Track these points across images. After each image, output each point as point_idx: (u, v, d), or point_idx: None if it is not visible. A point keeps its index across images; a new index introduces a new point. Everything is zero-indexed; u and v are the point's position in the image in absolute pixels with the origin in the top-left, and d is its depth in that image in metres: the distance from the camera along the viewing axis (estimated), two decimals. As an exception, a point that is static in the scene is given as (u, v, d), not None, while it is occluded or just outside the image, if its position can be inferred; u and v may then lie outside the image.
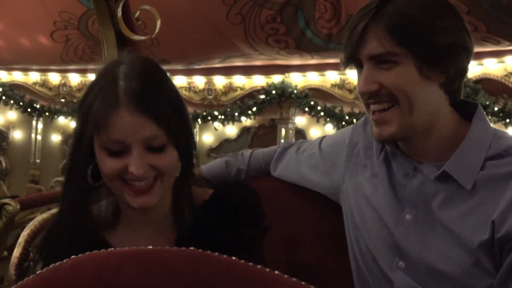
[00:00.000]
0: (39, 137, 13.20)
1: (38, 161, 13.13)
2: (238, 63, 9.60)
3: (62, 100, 11.58)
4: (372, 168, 1.61)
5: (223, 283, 1.04)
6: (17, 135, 13.03)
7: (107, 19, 1.98)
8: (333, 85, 9.30)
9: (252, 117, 9.96)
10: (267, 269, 1.02)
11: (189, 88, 10.70)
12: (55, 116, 11.78)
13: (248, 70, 10.08)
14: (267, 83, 9.43)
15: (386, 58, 1.39)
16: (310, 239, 1.63)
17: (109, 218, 1.51)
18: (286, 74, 9.36)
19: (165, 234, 1.51)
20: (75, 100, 11.63)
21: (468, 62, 1.42)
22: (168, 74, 1.49)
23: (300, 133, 10.32)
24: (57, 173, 12.30)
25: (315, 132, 10.17)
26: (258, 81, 9.70)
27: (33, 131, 13.17)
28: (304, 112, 9.36)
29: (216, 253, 1.08)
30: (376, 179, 1.57)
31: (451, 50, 1.38)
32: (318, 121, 9.66)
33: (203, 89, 10.84)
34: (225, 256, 1.06)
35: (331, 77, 9.30)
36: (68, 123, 11.84)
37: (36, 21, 8.99)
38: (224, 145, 11.64)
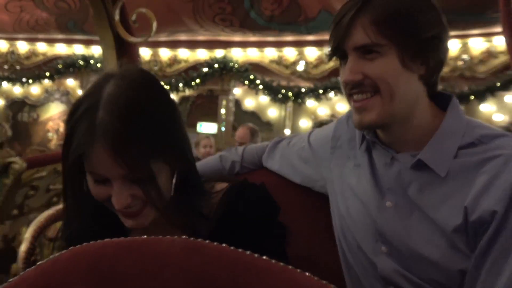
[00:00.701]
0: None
1: (-20, 125, 12.08)
2: (183, 37, 9.47)
3: (5, 67, 11.04)
4: (355, 159, 1.61)
5: (215, 269, 1.03)
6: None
7: (105, 22, 1.98)
8: (271, 61, 9.63)
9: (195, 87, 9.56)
10: (256, 255, 1.02)
11: (134, 59, 10.14)
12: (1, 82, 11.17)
13: (192, 44, 10.30)
14: (210, 57, 9.60)
15: (371, 49, 1.37)
16: (302, 232, 1.61)
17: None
18: (228, 49, 9.57)
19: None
20: (18, 67, 11.25)
21: (445, 56, 1.44)
22: (162, 89, 1.36)
23: (237, 103, 10.71)
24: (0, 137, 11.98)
25: (250, 102, 10.69)
26: (202, 55, 9.96)
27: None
28: (244, 84, 9.63)
29: (207, 241, 1.07)
30: (359, 169, 1.58)
31: (432, 43, 1.39)
32: (256, 93, 10.00)
33: (149, 61, 10.86)
34: (216, 243, 1.06)
35: (269, 54, 9.75)
36: (11, 88, 11.34)
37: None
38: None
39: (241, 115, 10.98)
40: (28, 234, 1.80)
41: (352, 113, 1.47)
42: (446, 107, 1.45)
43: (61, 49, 11.12)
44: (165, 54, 10.74)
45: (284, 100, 9.95)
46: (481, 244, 1.26)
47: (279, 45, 9.75)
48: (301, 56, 9.77)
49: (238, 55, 9.91)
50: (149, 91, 1.28)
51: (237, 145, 5.74)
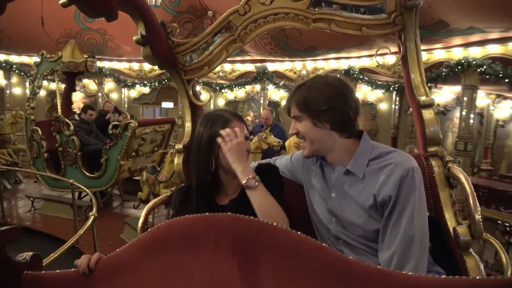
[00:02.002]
0: None
1: None
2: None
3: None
4: (315, 170, 1.57)
5: (246, 229, 1.07)
6: None
7: (184, 94, 2.02)
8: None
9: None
10: (270, 222, 1.06)
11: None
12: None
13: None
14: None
15: (296, 118, 1.45)
16: (296, 201, 1.59)
17: (217, 188, 1.53)
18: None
19: (233, 194, 1.50)
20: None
21: (347, 115, 1.39)
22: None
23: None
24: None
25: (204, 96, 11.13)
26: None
27: None
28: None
29: (243, 215, 1.10)
30: (317, 176, 1.55)
31: (328, 112, 1.38)
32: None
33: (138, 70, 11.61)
34: (247, 217, 1.09)
35: (227, 68, 10.86)
36: (49, 85, 11.61)
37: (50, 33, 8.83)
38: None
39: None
40: (143, 212, 1.78)
41: None
42: (361, 136, 1.46)
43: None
44: (148, 66, 11.39)
45: (213, 90, 10.93)
46: (385, 214, 1.29)
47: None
48: (222, 68, 10.64)
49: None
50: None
51: (263, 121, 6.30)
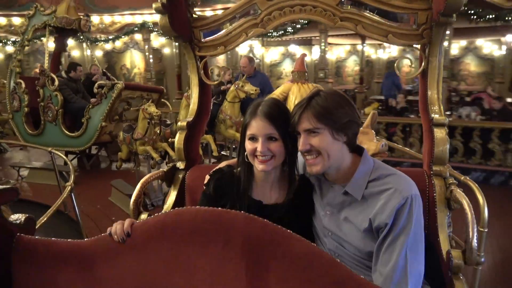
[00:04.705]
0: None
1: None
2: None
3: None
4: (311, 180, 1.54)
5: (260, 232, 1.03)
6: None
7: (195, 70, 1.96)
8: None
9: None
10: (284, 228, 1.04)
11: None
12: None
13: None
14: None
15: (313, 130, 1.35)
16: None
17: (250, 178, 1.50)
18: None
19: (277, 192, 1.50)
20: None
21: (358, 129, 1.40)
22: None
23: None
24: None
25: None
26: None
27: None
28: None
29: (257, 217, 1.06)
30: (313, 188, 1.55)
31: (349, 124, 1.35)
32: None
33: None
34: (262, 219, 1.06)
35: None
36: None
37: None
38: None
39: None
40: (137, 187, 1.69)
41: (306, 164, 1.45)
42: (361, 153, 1.43)
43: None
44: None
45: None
46: (380, 238, 1.27)
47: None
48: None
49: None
50: (283, 106, 1.46)
51: (241, 69, 5.55)
